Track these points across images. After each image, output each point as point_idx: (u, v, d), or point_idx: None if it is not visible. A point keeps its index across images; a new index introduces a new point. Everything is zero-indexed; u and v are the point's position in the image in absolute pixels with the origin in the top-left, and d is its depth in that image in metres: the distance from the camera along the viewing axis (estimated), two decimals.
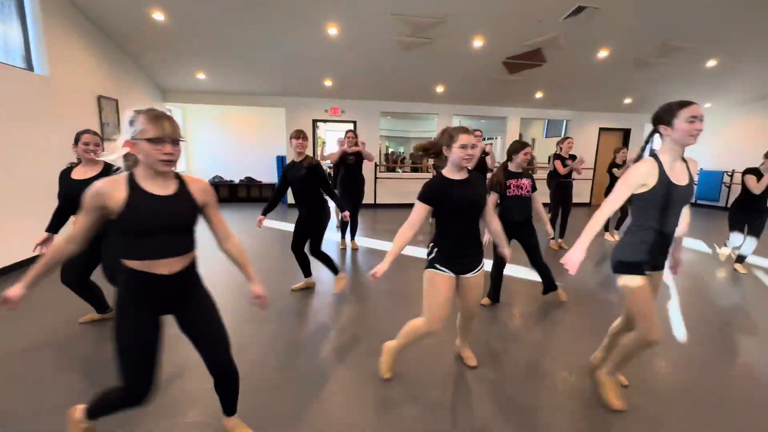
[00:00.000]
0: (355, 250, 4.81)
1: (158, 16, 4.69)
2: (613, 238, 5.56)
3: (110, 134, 5.39)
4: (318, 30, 5.10)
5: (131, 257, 1.22)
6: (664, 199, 1.59)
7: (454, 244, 1.82)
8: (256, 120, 8.55)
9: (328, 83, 7.00)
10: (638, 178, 1.59)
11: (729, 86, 7.50)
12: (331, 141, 12.01)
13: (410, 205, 1.90)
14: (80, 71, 4.72)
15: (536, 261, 3.05)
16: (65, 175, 2.40)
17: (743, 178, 4.02)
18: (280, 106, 7.69)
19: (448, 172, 1.80)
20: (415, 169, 10.73)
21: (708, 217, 7.71)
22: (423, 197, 1.76)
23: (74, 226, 1.22)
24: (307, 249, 3.20)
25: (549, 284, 3.13)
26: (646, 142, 1.81)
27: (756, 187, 3.88)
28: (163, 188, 1.23)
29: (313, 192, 3.09)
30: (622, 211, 5.51)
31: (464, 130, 1.74)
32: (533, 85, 7.22)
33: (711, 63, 6.22)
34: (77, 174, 2.38)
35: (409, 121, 14.77)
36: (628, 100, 8.16)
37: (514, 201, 2.91)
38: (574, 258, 1.58)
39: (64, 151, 3.43)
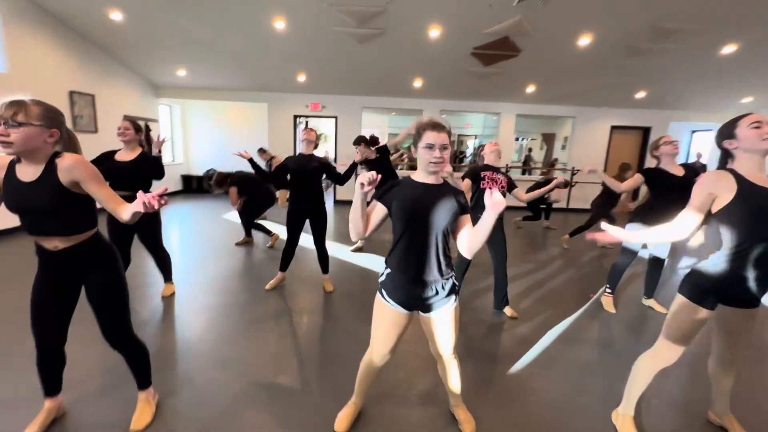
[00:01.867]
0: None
1: (116, 16, 4.94)
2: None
3: (84, 126, 5.84)
4: (267, 23, 5.05)
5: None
6: None
7: (402, 265, 1.42)
8: (246, 115, 8.77)
9: (302, 78, 6.96)
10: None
11: None
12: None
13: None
14: (48, 68, 5.12)
15: (499, 272, 2.87)
16: (111, 154, 2.72)
17: None
18: (262, 101, 7.81)
19: (418, 175, 1.44)
20: None
21: None
22: (376, 194, 1.43)
23: None
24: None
25: (501, 300, 2.93)
26: None
27: None
28: (29, 174, 1.30)
29: (320, 186, 3.17)
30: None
31: (434, 126, 1.35)
32: (520, 78, 6.59)
33: (728, 49, 5.21)
34: (120, 156, 2.70)
35: (416, 119, 14.35)
36: (641, 94, 7.14)
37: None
38: (613, 233, 1.47)
39: None
